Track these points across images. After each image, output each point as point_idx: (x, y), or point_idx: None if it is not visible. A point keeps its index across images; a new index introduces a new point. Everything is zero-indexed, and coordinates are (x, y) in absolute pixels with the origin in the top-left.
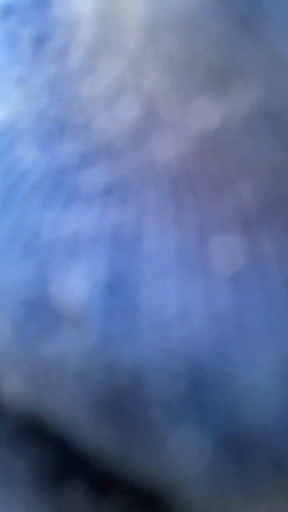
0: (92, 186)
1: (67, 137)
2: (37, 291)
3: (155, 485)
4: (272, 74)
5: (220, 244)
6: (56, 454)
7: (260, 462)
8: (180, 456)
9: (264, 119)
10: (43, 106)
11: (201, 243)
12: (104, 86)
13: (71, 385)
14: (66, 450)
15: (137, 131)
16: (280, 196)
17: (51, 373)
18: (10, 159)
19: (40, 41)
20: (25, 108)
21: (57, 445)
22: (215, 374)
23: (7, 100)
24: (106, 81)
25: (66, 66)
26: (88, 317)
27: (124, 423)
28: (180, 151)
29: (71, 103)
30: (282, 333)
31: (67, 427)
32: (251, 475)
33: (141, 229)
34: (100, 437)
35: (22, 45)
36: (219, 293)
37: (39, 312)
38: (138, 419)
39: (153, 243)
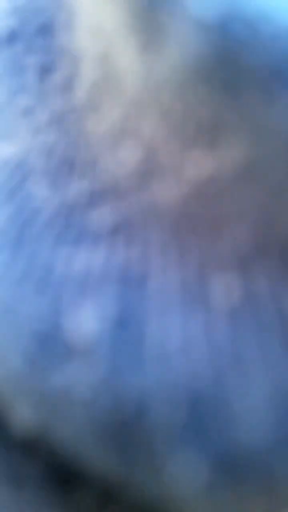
0: (100, 225)
1: (75, 175)
2: (50, 324)
3: (156, 505)
4: (255, 133)
5: (218, 282)
6: (63, 471)
7: (253, 483)
8: (179, 479)
9: (252, 170)
10: (51, 142)
11: (201, 281)
12: (108, 125)
13: (78, 414)
14: (72, 469)
15: (140, 173)
16: (271, 238)
17: (59, 402)
18: (23, 197)
19: (45, 71)
20: (34, 143)
21: (64, 463)
22: (213, 402)
23: (16, 134)
24: (110, 121)
25: (72, 100)
26: (97, 350)
27: (127, 449)
28: (179, 195)
29: (78, 140)
30: (274, 364)
31: (74, 452)
32: (245, 496)
33: (146, 268)
34: (104, 462)
35: (28, 74)
36: (218, 328)
37: (51, 344)
38: (140, 445)
39: (157, 281)
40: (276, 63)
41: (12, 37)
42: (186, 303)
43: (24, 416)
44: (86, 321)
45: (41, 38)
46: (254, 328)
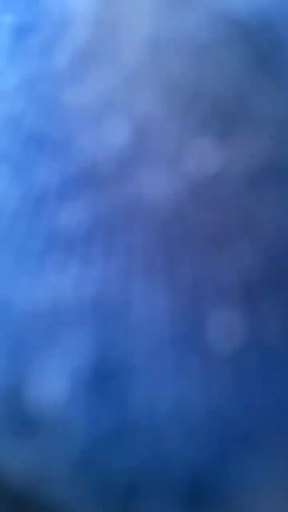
0: (72, 227)
1: (46, 155)
2: (10, 392)
3: None
4: (283, 124)
5: (217, 317)
6: None
7: None
8: None
9: (270, 174)
10: (19, 111)
11: (196, 314)
12: (92, 97)
13: (63, 489)
14: None
15: (125, 158)
16: (283, 262)
17: (37, 477)
18: None
19: (22, 31)
20: None
21: None
22: (214, 493)
23: None
24: (94, 92)
25: (50, 65)
26: (70, 417)
27: None
28: (173, 191)
29: (51, 112)
30: None
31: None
32: None
33: (128, 291)
34: None
35: (1, 32)
36: (217, 383)
37: (14, 416)
38: None
39: (142, 311)
40: None
41: None
42: (177, 344)
43: (14, 475)
44: (54, 378)
45: None
46: (263, 386)
